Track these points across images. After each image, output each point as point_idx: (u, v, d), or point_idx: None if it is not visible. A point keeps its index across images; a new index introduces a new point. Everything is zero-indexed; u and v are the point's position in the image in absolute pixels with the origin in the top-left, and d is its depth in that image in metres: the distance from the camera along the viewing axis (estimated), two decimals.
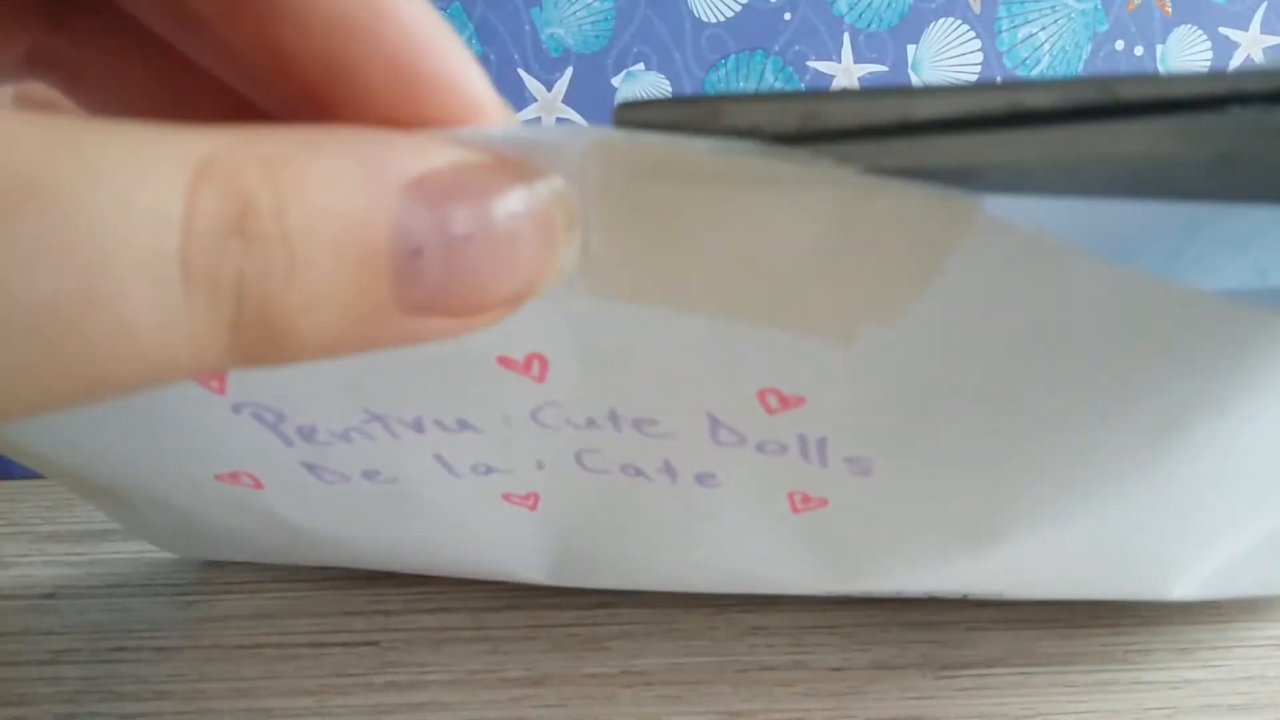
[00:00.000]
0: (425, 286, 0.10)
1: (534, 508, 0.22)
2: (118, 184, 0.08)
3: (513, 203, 0.10)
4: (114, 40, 0.14)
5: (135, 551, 0.29)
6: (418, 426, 0.19)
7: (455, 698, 0.22)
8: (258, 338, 0.09)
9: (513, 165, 0.11)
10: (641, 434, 0.19)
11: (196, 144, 0.09)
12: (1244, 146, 0.09)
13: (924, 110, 0.10)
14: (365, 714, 0.21)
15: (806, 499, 0.20)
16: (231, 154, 0.09)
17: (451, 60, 0.11)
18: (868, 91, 0.10)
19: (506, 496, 0.21)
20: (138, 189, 0.08)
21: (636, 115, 0.11)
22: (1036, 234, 0.12)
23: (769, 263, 0.14)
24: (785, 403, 0.17)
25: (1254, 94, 0.09)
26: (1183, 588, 0.22)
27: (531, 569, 0.24)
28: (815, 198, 0.12)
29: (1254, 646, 0.23)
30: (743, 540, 0.21)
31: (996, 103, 0.10)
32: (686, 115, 0.11)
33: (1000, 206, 0.12)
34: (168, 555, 0.28)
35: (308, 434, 0.20)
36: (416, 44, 0.11)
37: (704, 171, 0.11)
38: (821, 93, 0.11)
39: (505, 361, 0.17)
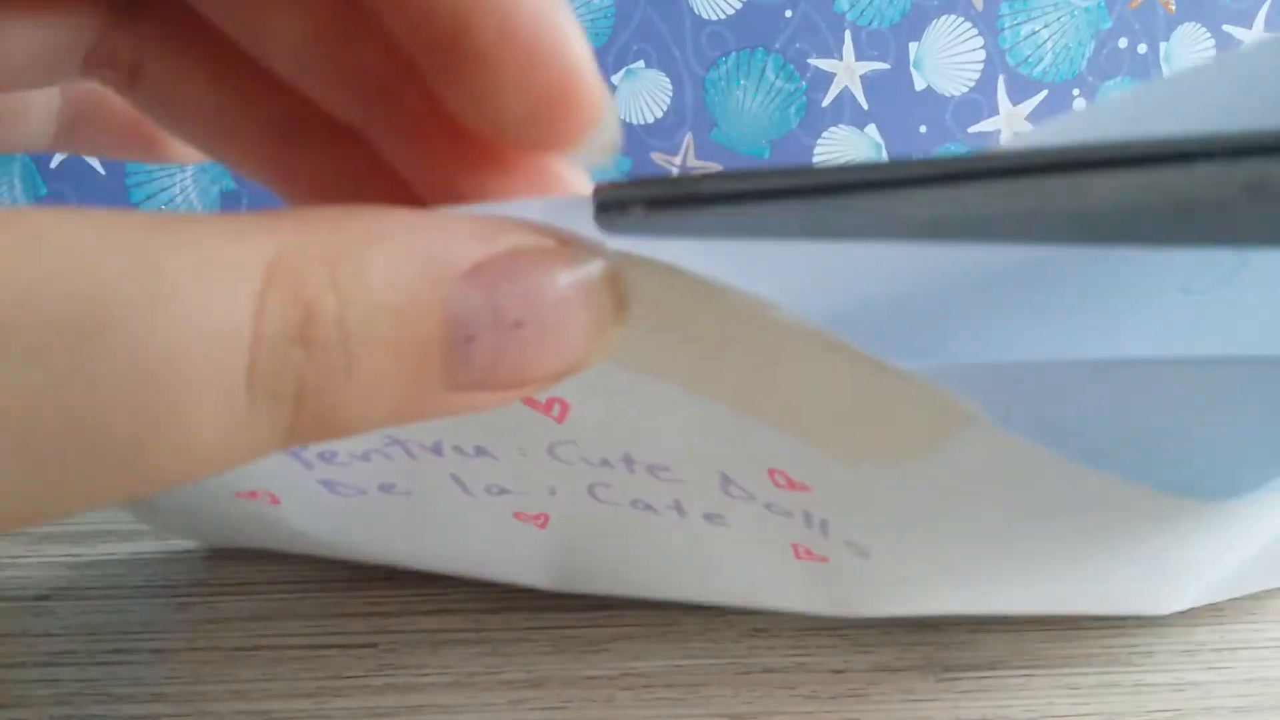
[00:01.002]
0: (475, 369, 0.10)
1: (543, 526, 0.22)
2: (191, 304, 0.08)
3: (566, 290, 0.10)
4: (173, 41, 0.14)
5: (132, 553, 0.28)
6: (436, 450, 0.19)
7: (454, 700, 0.22)
8: (311, 431, 0.09)
9: (568, 249, 0.11)
10: (654, 477, 0.19)
11: (263, 246, 0.09)
12: (1205, 198, 0.10)
13: (897, 174, 0.10)
14: (363, 716, 0.21)
15: (809, 553, 0.21)
16: (296, 255, 0.09)
17: (557, 28, 0.11)
18: (848, 167, 0.11)
19: (517, 515, 0.22)
20: (210, 306, 0.08)
21: (617, 194, 0.11)
22: (1026, 443, 0.14)
23: (784, 386, 0.14)
24: (792, 485, 0.18)
25: (1219, 151, 0.09)
26: (1174, 605, 0.23)
27: (535, 577, 0.24)
28: (837, 363, 0.13)
29: (1258, 649, 0.23)
30: (744, 569, 0.22)
31: (961, 164, 0.10)
32: (665, 191, 0.11)
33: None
34: (164, 557, 0.28)
35: (328, 457, 0.20)
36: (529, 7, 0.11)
37: (735, 304, 0.12)
38: (800, 169, 0.11)
39: (528, 401, 0.17)
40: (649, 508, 0.20)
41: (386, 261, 0.09)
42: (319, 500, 0.22)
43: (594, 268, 0.11)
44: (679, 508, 0.20)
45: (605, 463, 0.19)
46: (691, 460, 0.18)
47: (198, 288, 0.08)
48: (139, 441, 0.08)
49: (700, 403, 0.16)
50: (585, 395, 0.17)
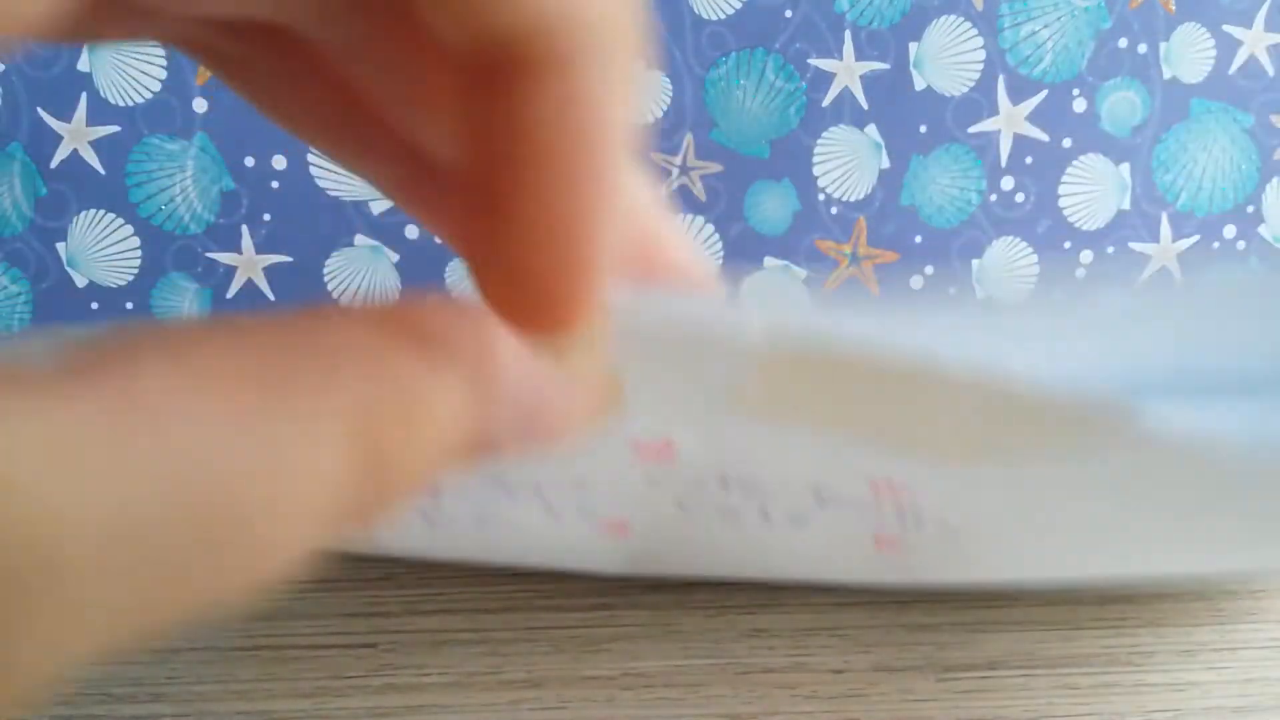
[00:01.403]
0: (489, 454, 0.12)
1: (624, 532, 0.23)
2: (300, 490, 0.10)
3: (575, 401, 0.12)
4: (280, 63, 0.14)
5: None
6: (536, 490, 0.21)
7: (454, 700, 0.22)
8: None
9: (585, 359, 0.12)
10: (744, 490, 0.21)
11: (343, 400, 0.10)
12: None
13: None
14: (363, 716, 0.21)
15: (888, 538, 0.22)
16: (373, 415, 0.10)
17: (589, 231, 0.12)
18: None
19: (601, 523, 0.23)
20: (313, 484, 0.10)
21: None
22: (1174, 436, 0.15)
23: (917, 424, 0.16)
24: (894, 489, 0.19)
25: None
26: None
27: (604, 566, 0.25)
28: (974, 397, 0.14)
29: (1257, 649, 0.23)
30: (818, 557, 0.23)
31: None
32: None
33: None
34: None
35: (431, 492, 0.21)
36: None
37: (871, 357, 0.13)
38: None
39: (638, 446, 0.19)
40: (734, 514, 0.21)
41: (445, 407, 0.11)
42: (414, 529, 0.23)
43: (603, 373, 0.13)
44: (764, 514, 0.21)
45: (700, 482, 0.20)
46: (787, 475, 0.20)
47: (301, 464, 0.10)
48: (244, 578, 0.10)
49: (817, 435, 0.17)
50: (696, 439, 0.18)
